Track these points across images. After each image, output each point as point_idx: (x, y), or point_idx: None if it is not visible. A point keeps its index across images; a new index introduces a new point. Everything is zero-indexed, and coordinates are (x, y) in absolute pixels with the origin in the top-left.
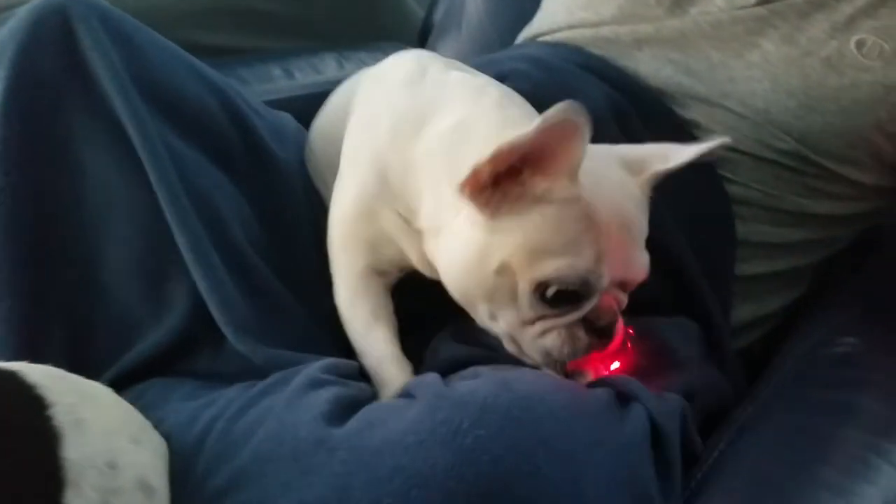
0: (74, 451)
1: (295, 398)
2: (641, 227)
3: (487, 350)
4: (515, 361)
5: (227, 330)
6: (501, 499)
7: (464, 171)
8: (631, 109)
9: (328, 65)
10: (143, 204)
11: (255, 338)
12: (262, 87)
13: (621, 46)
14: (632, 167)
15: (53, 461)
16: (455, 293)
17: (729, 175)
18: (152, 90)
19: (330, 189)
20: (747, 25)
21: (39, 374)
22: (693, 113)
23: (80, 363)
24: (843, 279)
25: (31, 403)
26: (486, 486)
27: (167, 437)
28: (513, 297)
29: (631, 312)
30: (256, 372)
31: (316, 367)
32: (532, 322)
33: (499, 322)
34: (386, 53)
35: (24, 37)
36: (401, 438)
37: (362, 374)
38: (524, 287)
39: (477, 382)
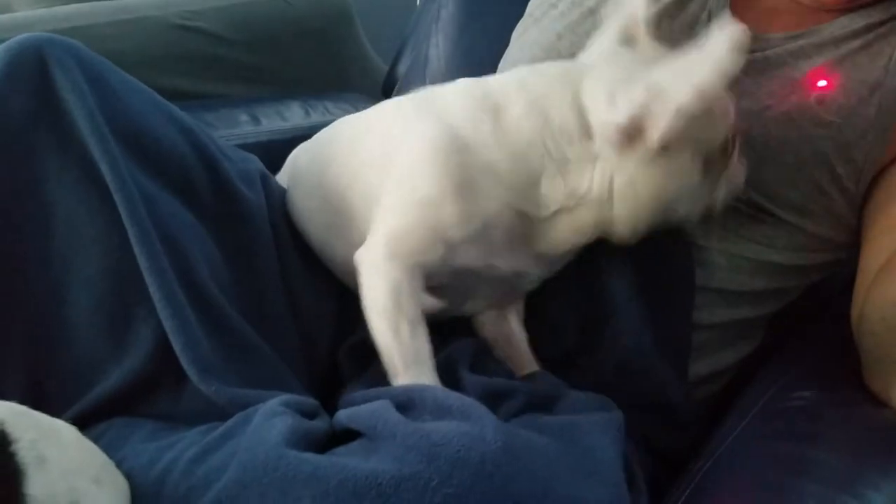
0: (38, 488)
1: (256, 435)
2: None
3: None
4: None
5: (190, 370)
6: None
7: (600, 130)
8: None
9: (294, 112)
10: (110, 244)
11: (219, 378)
12: (228, 131)
13: None
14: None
15: (16, 498)
16: (646, 222)
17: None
18: (126, 131)
19: (321, 228)
20: None
21: (2, 410)
22: None
23: (42, 401)
24: (797, 332)
25: None
26: None
27: (127, 478)
28: (705, 171)
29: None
30: (219, 412)
31: (274, 401)
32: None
33: (696, 204)
34: (350, 103)
35: None
36: (365, 491)
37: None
38: (717, 155)
39: (451, 427)
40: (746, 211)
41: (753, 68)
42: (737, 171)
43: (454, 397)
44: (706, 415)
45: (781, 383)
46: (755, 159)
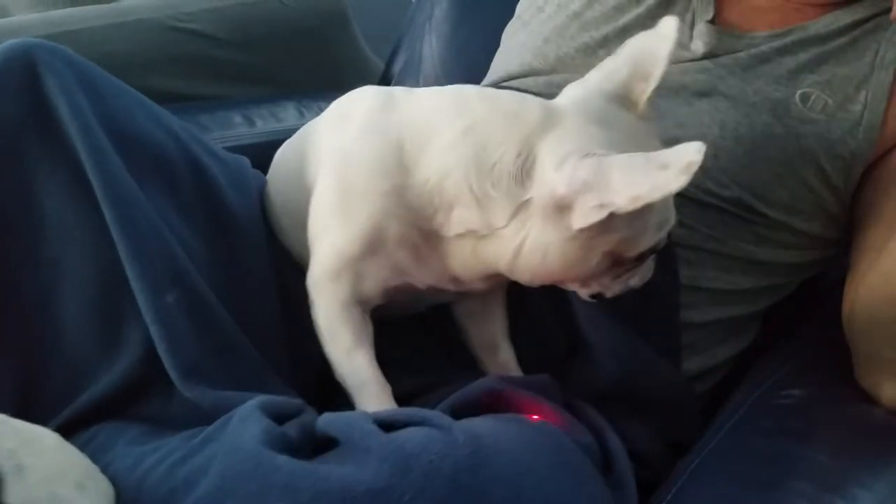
0: (16, 496)
1: (232, 447)
2: None
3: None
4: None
5: (173, 374)
6: None
7: (537, 186)
8: None
9: (289, 113)
10: (99, 248)
11: (204, 381)
12: (222, 133)
13: None
14: (623, 101)
15: None
16: (542, 281)
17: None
18: (114, 134)
19: (292, 236)
20: (695, 77)
21: None
22: None
23: (32, 405)
24: (787, 329)
25: None
26: None
27: (113, 481)
28: (612, 267)
29: None
30: (205, 416)
31: (250, 403)
32: (615, 277)
33: (591, 286)
34: None
35: None
36: (338, 501)
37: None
38: (629, 259)
39: (422, 435)
40: (734, 210)
41: (739, 65)
42: (644, 271)
43: (417, 412)
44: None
45: (772, 381)
46: (742, 158)
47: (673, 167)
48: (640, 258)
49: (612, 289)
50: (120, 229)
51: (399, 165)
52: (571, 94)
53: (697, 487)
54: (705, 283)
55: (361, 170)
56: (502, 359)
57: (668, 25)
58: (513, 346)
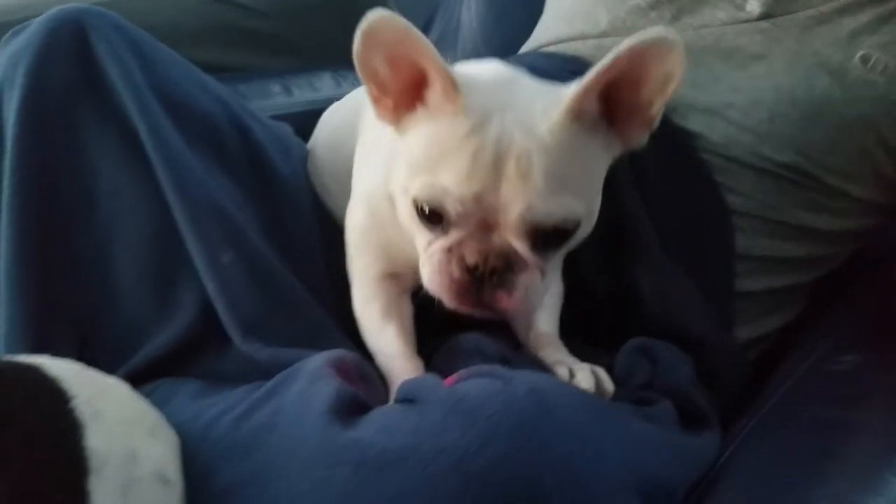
0: (96, 440)
1: (301, 400)
2: (535, 162)
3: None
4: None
5: (232, 332)
6: None
7: None
8: None
9: (325, 83)
10: (152, 209)
11: (262, 337)
12: (260, 102)
13: None
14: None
15: (77, 450)
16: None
17: (730, 185)
18: (165, 98)
19: (335, 199)
20: (751, 38)
21: (60, 368)
22: (693, 123)
23: (90, 363)
24: (841, 296)
25: (54, 395)
26: None
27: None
28: (424, 224)
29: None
30: (261, 372)
31: (319, 362)
32: (426, 248)
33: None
34: None
35: (40, 46)
36: (403, 458)
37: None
38: (410, 206)
39: (483, 387)
40: (789, 176)
41: (797, 26)
42: (468, 252)
43: (478, 367)
44: (747, 382)
45: (825, 347)
46: (799, 122)
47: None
48: (425, 219)
49: (425, 271)
50: (174, 191)
51: None
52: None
53: (752, 450)
54: (758, 252)
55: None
56: (541, 331)
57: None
58: (554, 319)
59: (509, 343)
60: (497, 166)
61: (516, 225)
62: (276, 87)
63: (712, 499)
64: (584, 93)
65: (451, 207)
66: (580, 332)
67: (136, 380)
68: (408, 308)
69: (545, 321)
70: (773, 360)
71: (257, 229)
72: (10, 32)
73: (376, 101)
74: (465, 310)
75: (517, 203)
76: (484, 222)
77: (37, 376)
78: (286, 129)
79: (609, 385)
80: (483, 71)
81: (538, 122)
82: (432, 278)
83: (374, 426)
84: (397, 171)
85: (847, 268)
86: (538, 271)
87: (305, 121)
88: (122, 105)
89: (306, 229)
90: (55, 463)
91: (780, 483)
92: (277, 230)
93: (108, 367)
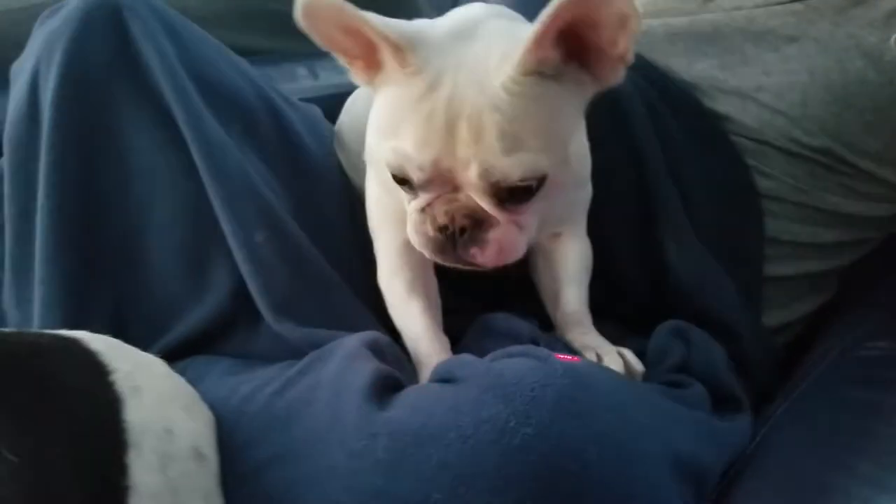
0: (135, 414)
1: (339, 378)
2: (487, 121)
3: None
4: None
5: (265, 311)
6: (550, 497)
7: None
8: (659, 101)
9: None
10: (186, 188)
11: (293, 318)
12: (287, 85)
13: (654, 39)
14: None
15: (117, 423)
16: None
17: (761, 168)
18: (199, 79)
19: (362, 177)
20: (784, 20)
21: (100, 343)
22: (724, 105)
23: (124, 340)
24: (871, 283)
25: (95, 369)
26: (535, 486)
27: (210, 409)
28: (407, 190)
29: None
30: (291, 352)
31: (355, 342)
32: (408, 206)
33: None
34: None
35: (76, 27)
36: (443, 432)
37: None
38: (384, 167)
39: (521, 365)
40: (823, 161)
41: (831, 8)
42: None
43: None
44: (777, 366)
45: (858, 332)
46: (832, 105)
47: None
48: (396, 182)
49: (415, 236)
50: (208, 170)
51: None
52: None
53: (786, 432)
54: (789, 237)
55: None
56: (568, 310)
57: None
58: (580, 294)
59: (540, 324)
60: (450, 129)
61: (477, 185)
62: (302, 71)
63: (747, 479)
64: (536, 43)
65: (413, 173)
66: (612, 315)
67: (170, 357)
68: (432, 281)
69: (572, 298)
70: (803, 345)
71: (288, 210)
72: (46, 12)
73: (349, 66)
74: (447, 263)
75: (473, 165)
76: (448, 183)
77: (78, 349)
78: (315, 111)
79: (638, 366)
80: (446, 21)
81: (491, 78)
82: (412, 237)
83: (411, 403)
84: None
85: (876, 254)
86: (512, 225)
87: (331, 103)
88: (158, 85)
89: (337, 210)
90: (99, 435)
91: (817, 463)
92: (308, 211)
93: (142, 344)
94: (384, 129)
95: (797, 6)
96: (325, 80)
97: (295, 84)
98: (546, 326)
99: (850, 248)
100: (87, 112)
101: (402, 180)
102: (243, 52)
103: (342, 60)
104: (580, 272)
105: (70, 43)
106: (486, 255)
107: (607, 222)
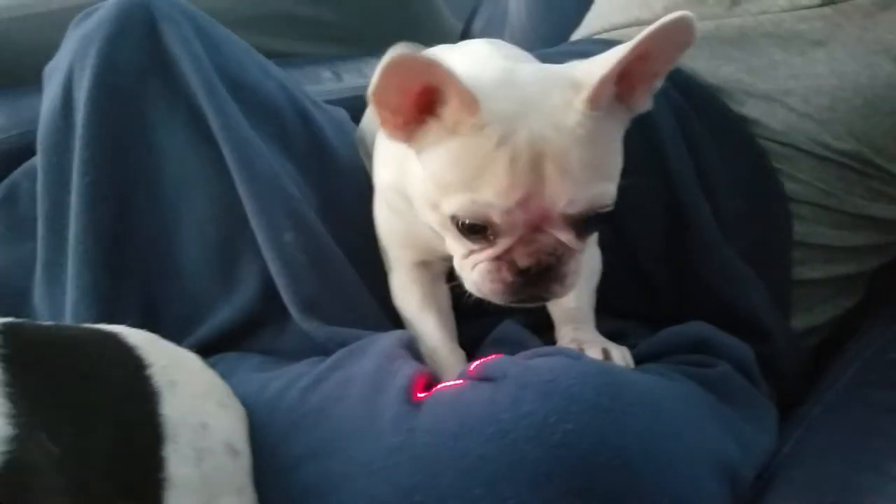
0: (171, 409)
1: (376, 375)
2: (572, 157)
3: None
4: None
5: (293, 309)
6: (590, 492)
7: None
8: (686, 105)
9: (373, 69)
10: (217, 188)
11: (320, 316)
12: (311, 88)
13: None
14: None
15: (154, 417)
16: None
17: (789, 172)
18: (229, 81)
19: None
20: (812, 24)
21: (137, 337)
22: (751, 110)
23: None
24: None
25: (132, 363)
26: (575, 481)
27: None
28: (446, 229)
29: None
30: (318, 350)
31: (393, 340)
32: (467, 256)
33: (455, 258)
34: None
35: (110, 29)
36: (482, 427)
37: None
38: (444, 219)
39: (556, 363)
40: (851, 165)
41: (860, 12)
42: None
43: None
44: (805, 369)
45: (888, 335)
46: (861, 109)
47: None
48: (465, 232)
49: (462, 274)
50: (239, 170)
51: None
52: None
53: (820, 435)
54: (817, 240)
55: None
56: (567, 306)
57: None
58: (584, 298)
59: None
60: (536, 169)
61: (564, 218)
62: (326, 73)
63: (782, 482)
64: (606, 81)
65: (499, 219)
66: (638, 316)
67: (199, 353)
68: (444, 294)
69: (572, 295)
70: (832, 348)
71: (316, 210)
72: (81, 14)
73: (385, 121)
74: (518, 304)
75: (561, 200)
76: (529, 224)
77: (117, 343)
78: (342, 114)
79: (620, 362)
80: (484, 70)
81: (564, 117)
82: (482, 286)
83: (448, 400)
84: (420, 186)
85: None
86: (581, 253)
87: (354, 106)
88: (190, 86)
89: (362, 211)
90: (136, 428)
91: (853, 466)
92: (334, 212)
93: (172, 339)
94: (452, 183)
95: (826, 10)
96: (349, 83)
97: (319, 86)
98: (546, 326)
99: (878, 251)
100: (120, 112)
101: (472, 229)
102: (268, 55)
103: (382, 116)
104: (585, 273)
105: (104, 44)
106: (567, 287)
107: (635, 227)
